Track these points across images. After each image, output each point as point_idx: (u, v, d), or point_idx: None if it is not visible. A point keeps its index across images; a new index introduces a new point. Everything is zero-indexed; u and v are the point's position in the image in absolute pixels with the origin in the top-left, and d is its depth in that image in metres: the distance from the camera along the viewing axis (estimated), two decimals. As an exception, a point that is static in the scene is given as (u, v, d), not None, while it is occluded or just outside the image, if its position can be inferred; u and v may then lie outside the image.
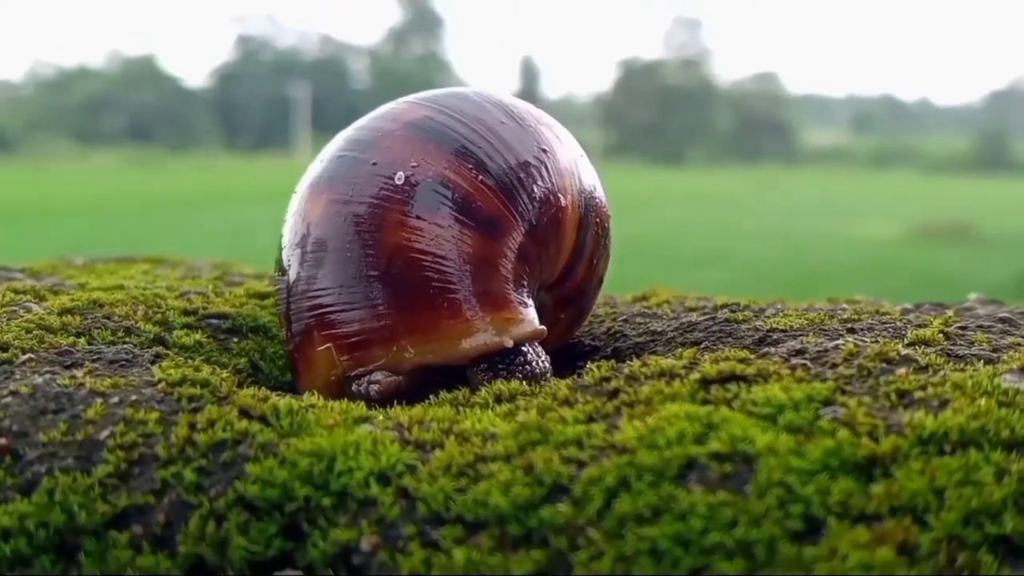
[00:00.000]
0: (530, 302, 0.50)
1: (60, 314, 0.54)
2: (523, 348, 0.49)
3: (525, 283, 0.50)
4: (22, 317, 0.53)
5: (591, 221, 0.54)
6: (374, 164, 0.49)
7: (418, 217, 0.48)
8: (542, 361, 0.49)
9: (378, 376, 0.47)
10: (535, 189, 0.50)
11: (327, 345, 0.48)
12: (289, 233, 0.51)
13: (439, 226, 0.48)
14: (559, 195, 0.51)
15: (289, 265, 0.50)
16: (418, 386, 0.48)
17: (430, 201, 0.48)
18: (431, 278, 0.47)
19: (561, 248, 0.52)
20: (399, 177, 0.49)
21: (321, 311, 0.49)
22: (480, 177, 0.49)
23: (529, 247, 0.50)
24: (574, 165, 0.53)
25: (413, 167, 0.49)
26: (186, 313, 0.58)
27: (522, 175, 0.50)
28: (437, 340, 0.47)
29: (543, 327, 0.49)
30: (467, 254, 0.48)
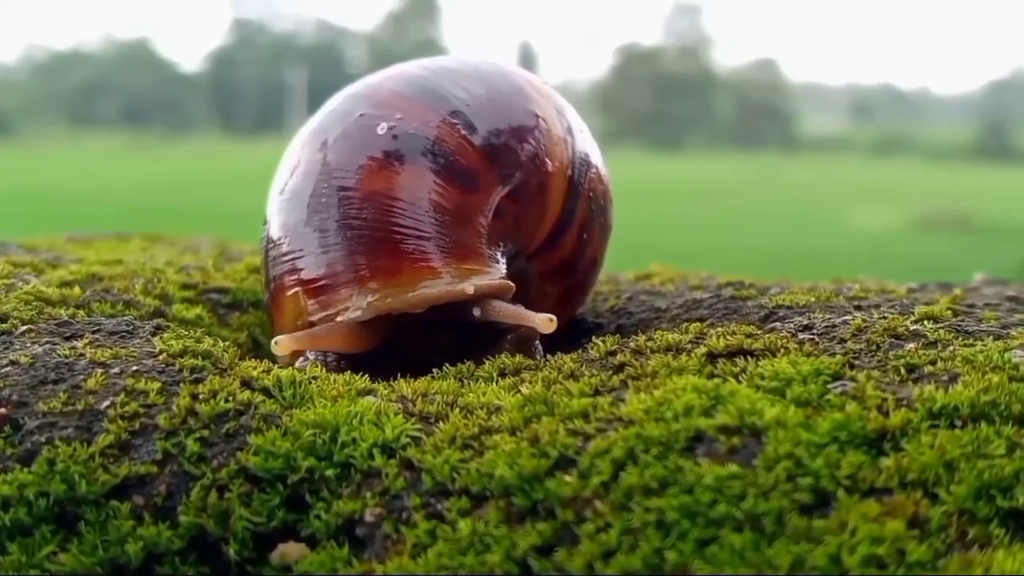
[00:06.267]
0: (502, 260, 0.50)
1: (59, 286, 0.53)
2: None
3: (500, 242, 0.50)
4: (20, 289, 0.52)
5: (582, 192, 0.53)
6: (361, 116, 0.50)
7: (393, 166, 0.48)
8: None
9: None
10: (521, 151, 0.50)
11: (295, 290, 0.48)
12: (275, 183, 0.52)
13: (414, 175, 0.48)
14: (546, 159, 0.51)
15: (271, 214, 0.51)
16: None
17: (408, 151, 0.48)
18: (400, 224, 0.47)
19: (544, 212, 0.52)
20: (382, 128, 0.49)
21: (292, 256, 0.49)
22: (463, 132, 0.49)
23: (507, 206, 0.50)
24: (569, 135, 0.53)
25: (398, 119, 0.49)
26: (186, 287, 0.58)
27: (509, 136, 0.50)
28: (399, 284, 0.46)
29: (510, 282, 0.49)
30: (440, 205, 0.48)
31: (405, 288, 0.46)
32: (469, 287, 0.47)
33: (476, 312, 0.47)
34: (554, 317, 0.47)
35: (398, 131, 0.49)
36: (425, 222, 0.47)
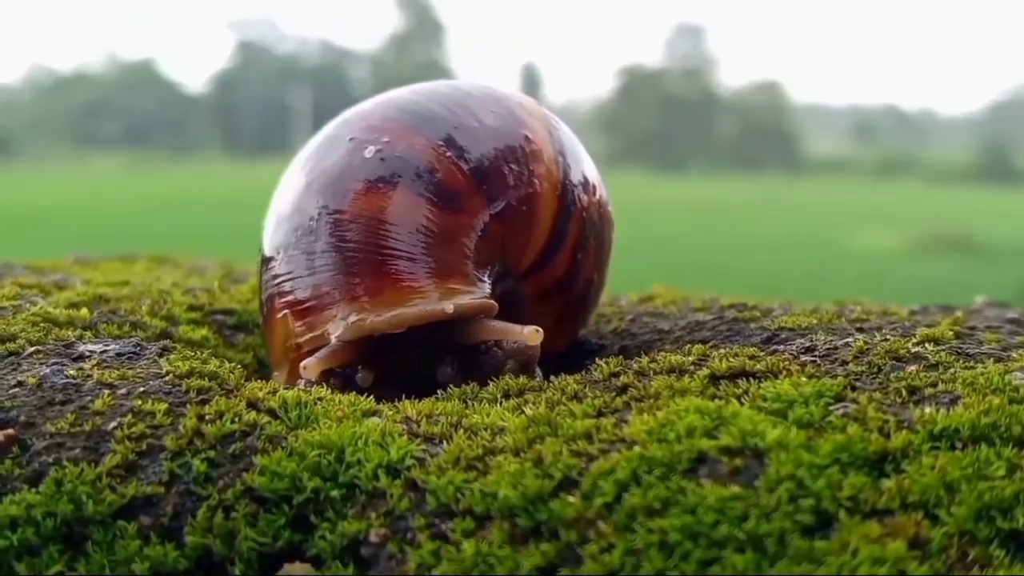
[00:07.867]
0: (487, 280, 0.50)
1: (66, 308, 0.54)
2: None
3: (485, 262, 0.50)
4: (28, 310, 0.53)
5: (574, 212, 0.53)
6: (351, 140, 0.51)
7: (380, 188, 0.48)
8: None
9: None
10: (508, 172, 0.50)
11: (284, 312, 0.49)
12: (271, 206, 0.52)
13: (401, 197, 0.48)
14: (534, 180, 0.51)
15: (266, 236, 0.51)
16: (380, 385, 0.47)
17: (395, 173, 0.49)
18: (384, 245, 0.47)
19: (532, 233, 0.52)
20: (369, 151, 0.49)
21: (281, 278, 0.49)
22: (449, 154, 0.49)
23: (494, 227, 0.50)
24: (561, 156, 0.53)
25: (385, 142, 0.50)
26: (192, 308, 0.58)
27: (497, 158, 0.50)
28: (381, 305, 0.47)
29: (492, 302, 0.49)
30: (425, 226, 0.48)
31: (386, 309, 0.47)
32: (449, 306, 0.47)
33: (459, 337, 0.48)
34: (540, 329, 0.47)
35: (385, 154, 0.49)
36: (410, 243, 0.48)
